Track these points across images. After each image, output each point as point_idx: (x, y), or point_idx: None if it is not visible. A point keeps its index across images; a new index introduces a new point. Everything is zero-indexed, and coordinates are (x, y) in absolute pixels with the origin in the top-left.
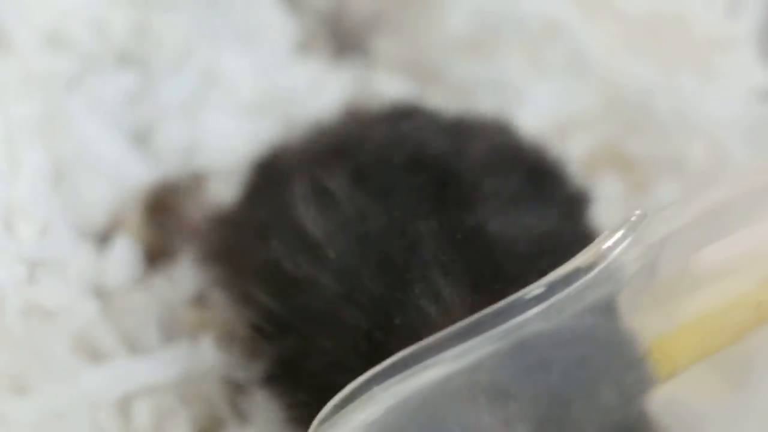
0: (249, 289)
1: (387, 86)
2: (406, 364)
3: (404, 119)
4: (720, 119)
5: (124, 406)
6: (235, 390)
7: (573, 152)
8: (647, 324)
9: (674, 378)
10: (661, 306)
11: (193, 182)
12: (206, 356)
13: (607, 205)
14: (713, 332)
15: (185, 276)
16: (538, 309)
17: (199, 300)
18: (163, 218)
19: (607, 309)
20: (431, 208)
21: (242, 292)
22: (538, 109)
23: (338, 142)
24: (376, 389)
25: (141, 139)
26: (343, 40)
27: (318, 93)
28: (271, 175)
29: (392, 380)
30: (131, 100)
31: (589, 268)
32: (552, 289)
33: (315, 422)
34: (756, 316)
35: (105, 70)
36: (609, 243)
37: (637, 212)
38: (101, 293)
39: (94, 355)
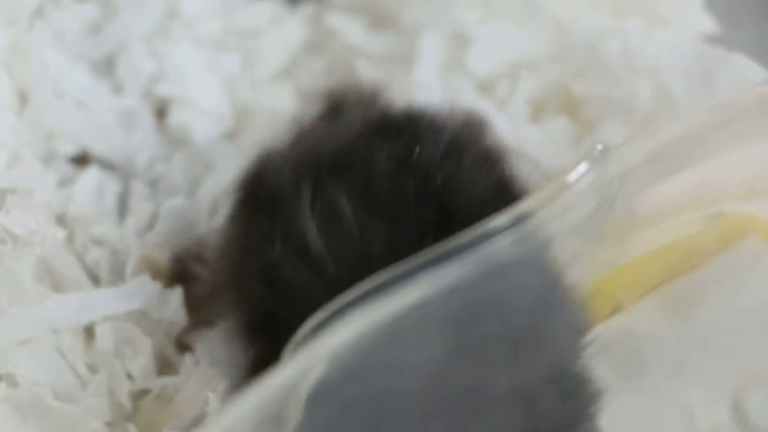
0: (248, 289)
1: (341, 26)
2: (380, 289)
3: (404, 133)
4: (666, 63)
5: (88, 332)
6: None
7: (522, 94)
8: (600, 256)
9: (624, 310)
10: (614, 240)
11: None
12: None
13: (555, 146)
14: (660, 267)
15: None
16: (507, 238)
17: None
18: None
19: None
20: (434, 234)
21: (241, 293)
22: (488, 51)
23: (341, 153)
24: (349, 313)
25: (104, 68)
26: None
27: (275, 30)
28: (270, 181)
29: (366, 305)
30: (94, 31)
31: (554, 198)
32: (520, 219)
33: (289, 345)
34: (698, 252)
35: (67, 3)
36: (574, 175)
37: (599, 146)
38: (66, 222)
39: (58, 283)
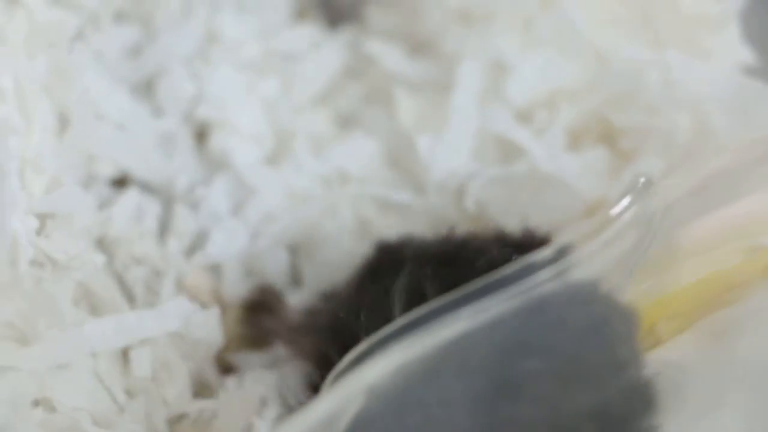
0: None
1: (380, 52)
2: (421, 322)
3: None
4: (705, 95)
5: (125, 355)
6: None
7: (560, 123)
8: (641, 288)
9: (665, 342)
10: (655, 272)
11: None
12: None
13: (593, 176)
14: (701, 298)
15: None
16: (552, 270)
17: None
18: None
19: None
20: None
21: (319, 353)
22: (527, 79)
23: (451, 255)
24: (389, 347)
25: (144, 91)
26: (337, 10)
27: (315, 55)
28: (388, 260)
29: (407, 339)
30: (134, 53)
31: (598, 232)
32: (564, 252)
33: (331, 375)
34: (738, 284)
35: (107, 26)
36: (618, 209)
37: (642, 179)
38: (106, 246)
39: (96, 306)
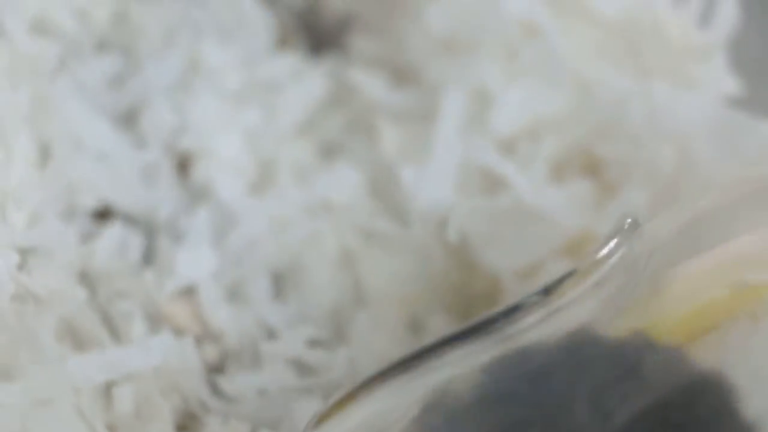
0: None
1: (362, 81)
2: (409, 365)
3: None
4: (691, 126)
5: (108, 391)
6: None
7: (543, 154)
8: (626, 327)
9: None
10: (640, 312)
11: None
12: (188, 352)
13: (576, 207)
14: (686, 334)
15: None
16: (538, 315)
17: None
18: None
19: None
20: None
21: None
22: (511, 110)
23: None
24: (377, 389)
25: (126, 121)
26: (320, 37)
27: (297, 84)
28: None
29: (393, 380)
30: (116, 83)
31: (586, 275)
32: (550, 296)
33: (311, 419)
34: (723, 321)
35: (89, 56)
36: (605, 251)
37: (629, 220)
38: (88, 279)
39: (79, 341)
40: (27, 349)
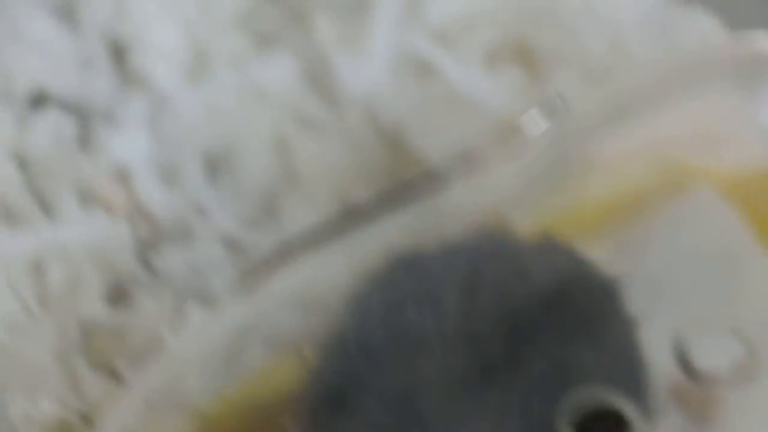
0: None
1: None
2: (332, 230)
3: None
4: (624, 16)
5: (40, 266)
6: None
7: (478, 43)
8: (551, 202)
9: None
10: (566, 187)
11: None
12: (120, 230)
13: (509, 95)
14: (610, 212)
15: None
16: (459, 183)
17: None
18: None
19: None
20: None
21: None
22: (443, 3)
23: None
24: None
25: (64, 10)
26: None
27: None
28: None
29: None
30: None
31: (506, 144)
32: (472, 165)
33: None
34: (648, 201)
35: None
36: (532, 128)
37: (557, 98)
38: (22, 161)
39: (12, 219)
40: None
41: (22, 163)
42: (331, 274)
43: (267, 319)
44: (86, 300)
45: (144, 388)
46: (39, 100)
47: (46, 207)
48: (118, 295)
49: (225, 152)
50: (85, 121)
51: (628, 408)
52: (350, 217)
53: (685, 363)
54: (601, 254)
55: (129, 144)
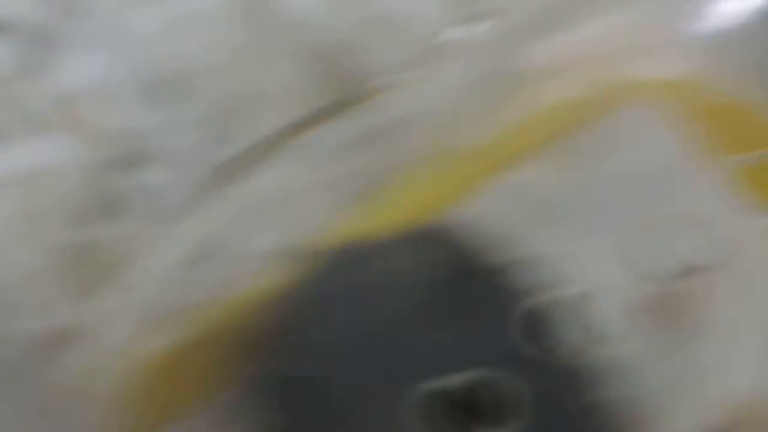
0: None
1: None
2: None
3: None
4: None
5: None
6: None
7: None
8: (482, 118)
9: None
10: (496, 101)
11: None
12: (72, 154)
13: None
14: (544, 127)
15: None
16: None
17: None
18: None
19: None
20: None
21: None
22: None
23: None
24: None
25: None
26: None
27: None
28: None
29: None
30: None
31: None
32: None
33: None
34: (580, 114)
35: None
36: (452, 35)
37: (482, 8)
38: None
39: None
40: None
41: None
42: (284, 180)
43: (226, 233)
44: (45, 227)
45: (117, 302)
46: None
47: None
48: (78, 218)
49: (176, 74)
50: (34, 45)
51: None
52: (296, 128)
53: (627, 266)
54: (535, 171)
55: (80, 67)
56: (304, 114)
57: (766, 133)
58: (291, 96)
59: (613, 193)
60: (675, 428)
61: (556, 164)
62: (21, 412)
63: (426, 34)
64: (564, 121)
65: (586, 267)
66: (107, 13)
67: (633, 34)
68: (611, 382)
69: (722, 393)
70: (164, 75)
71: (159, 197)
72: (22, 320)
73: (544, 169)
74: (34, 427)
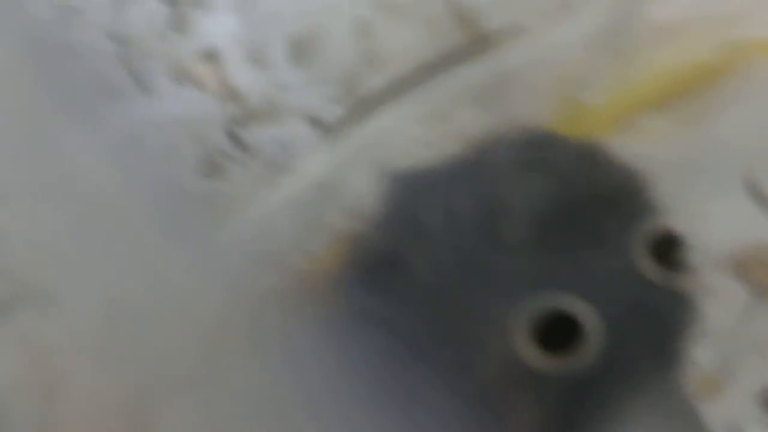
0: None
1: None
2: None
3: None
4: None
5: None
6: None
7: None
8: (613, 72)
9: (635, 126)
10: (627, 56)
11: None
12: (210, 106)
13: None
14: (673, 84)
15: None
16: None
17: (209, 56)
18: None
19: None
20: None
21: None
22: None
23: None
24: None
25: None
26: None
27: None
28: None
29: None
30: None
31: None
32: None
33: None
34: (710, 73)
35: None
36: None
37: None
38: (118, 40)
39: (109, 92)
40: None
41: (120, 44)
42: (404, 126)
43: (343, 174)
44: (181, 170)
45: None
46: None
47: (141, 84)
48: (209, 166)
49: (309, 35)
50: (177, 6)
51: (585, 314)
52: (420, 74)
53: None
54: (663, 127)
55: (219, 26)
56: (428, 61)
57: None
58: (426, 57)
59: (735, 150)
60: (741, 387)
61: (684, 120)
62: None
63: None
64: (693, 78)
65: (705, 213)
66: None
67: None
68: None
69: None
70: (297, 37)
71: (286, 151)
72: None
73: (674, 123)
74: None
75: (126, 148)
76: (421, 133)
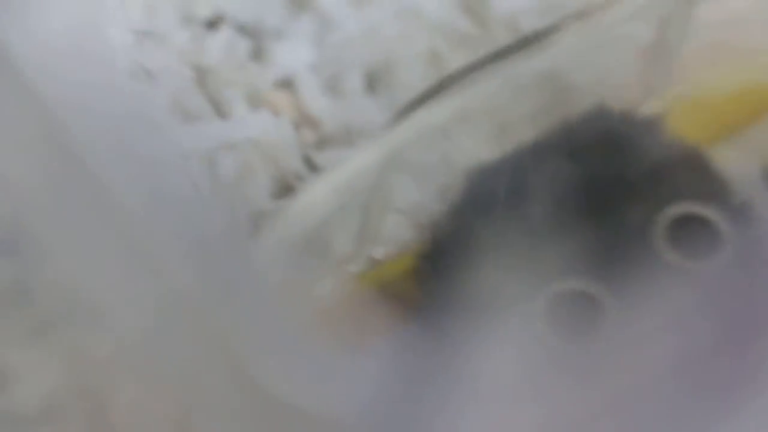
0: None
1: None
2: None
3: None
4: None
5: (211, 160)
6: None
7: None
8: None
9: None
10: (686, 72)
11: None
12: (285, 130)
13: None
14: (738, 109)
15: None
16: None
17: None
18: None
19: None
20: None
21: None
22: None
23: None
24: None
25: None
26: None
27: None
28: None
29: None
30: None
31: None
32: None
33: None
34: None
35: None
36: None
37: None
38: (198, 69)
39: (187, 116)
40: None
41: (198, 71)
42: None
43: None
44: (253, 191)
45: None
46: (215, 23)
47: (218, 109)
48: (283, 189)
49: (383, 66)
50: (256, 39)
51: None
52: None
53: None
54: (729, 152)
55: (295, 56)
56: (480, 55)
57: None
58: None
59: None
60: None
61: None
62: None
63: None
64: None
65: None
66: (324, 10)
67: None
68: None
69: None
70: (371, 67)
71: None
72: None
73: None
74: None
75: (199, 168)
76: (473, 128)
